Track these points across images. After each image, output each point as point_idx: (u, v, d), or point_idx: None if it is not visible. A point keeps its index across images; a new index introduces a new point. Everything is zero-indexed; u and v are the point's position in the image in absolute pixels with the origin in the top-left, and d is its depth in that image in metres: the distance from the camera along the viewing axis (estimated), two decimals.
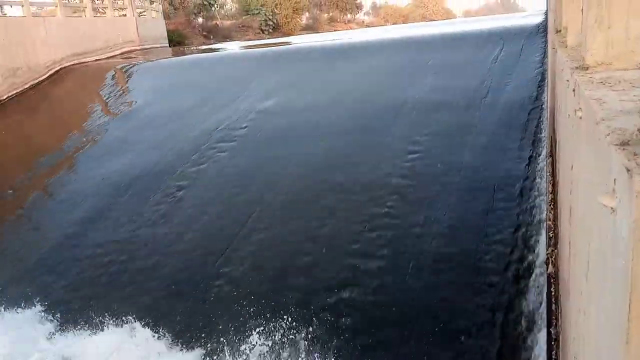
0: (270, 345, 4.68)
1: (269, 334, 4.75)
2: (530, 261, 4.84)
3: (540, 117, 7.28)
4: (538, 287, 4.55)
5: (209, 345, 4.95)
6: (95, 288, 6.21)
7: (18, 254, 7.41)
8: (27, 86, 14.40)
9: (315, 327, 4.71)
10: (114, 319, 5.50)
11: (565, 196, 2.73)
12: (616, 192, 0.93)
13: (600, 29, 2.31)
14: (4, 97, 13.63)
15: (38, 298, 6.17)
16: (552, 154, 5.43)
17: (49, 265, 6.88)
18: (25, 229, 8.21)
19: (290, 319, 4.83)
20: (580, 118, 1.73)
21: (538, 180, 5.91)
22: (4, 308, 6.18)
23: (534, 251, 4.92)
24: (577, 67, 2.53)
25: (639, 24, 2.20)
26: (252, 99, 10.49)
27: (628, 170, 0.83)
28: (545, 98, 7.51)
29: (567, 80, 2.54)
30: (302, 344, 4.60)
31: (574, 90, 2.14)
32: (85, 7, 17.89)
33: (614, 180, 0.94)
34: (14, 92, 13.96)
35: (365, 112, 8.78)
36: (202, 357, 4.86)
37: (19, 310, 6.08)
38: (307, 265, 5.57)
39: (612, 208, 0.96)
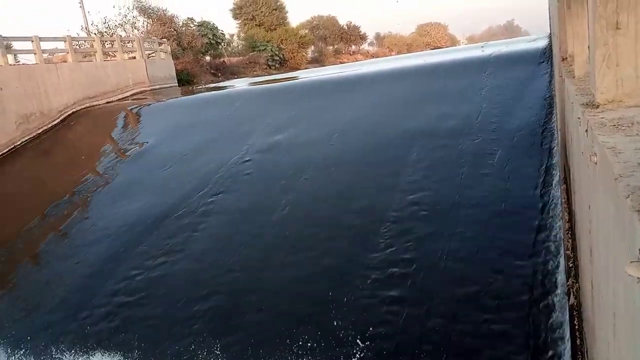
0: None
1: None
2: None
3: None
4: None
5: None
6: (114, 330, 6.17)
7: (31, 300, 7.41)
8: (40, 131, 14.68)
9: None
10: None
11: (584, 234, 2.68)
12: None
13: (609, 67, 2.30)
14: (18, 143, 13.89)
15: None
16: (566, 181, 5.38)
17: (63, 310, 6.86)
18: (39, 273, 8.23)
19: None
20: (596, 164, 1.71)
21: None
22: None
23: None
24: (587, 104, 2.52)
25: None
26: (262, 135, 10.57)
27: None
28: (555, 122, 7.50)
29: (579, 118, 2.53)
30: None
31: (586, 131, 2.12)
32: (96, 52, 18.33)
33: (639, 250, 0.92)
34: (28, 137, 14.23)
35: (374, 144, 8.82)
36: None
37: None
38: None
39: (639, 278, 0.93)
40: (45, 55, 16.03)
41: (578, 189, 3.25)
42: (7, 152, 13.50)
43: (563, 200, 5.47)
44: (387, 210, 6.71)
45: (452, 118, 8.87)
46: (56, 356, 6.04)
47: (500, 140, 7.74)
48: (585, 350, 3.10)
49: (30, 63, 16.20)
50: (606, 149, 1.48)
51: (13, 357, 6.28)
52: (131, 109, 15.34)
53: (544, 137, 7.50)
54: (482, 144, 7.78)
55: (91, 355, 5.89)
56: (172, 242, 7.58)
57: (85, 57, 18.43)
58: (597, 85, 2.34)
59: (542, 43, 11.44)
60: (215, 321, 5.76)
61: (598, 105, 2.33)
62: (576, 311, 3.85)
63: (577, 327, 3.77)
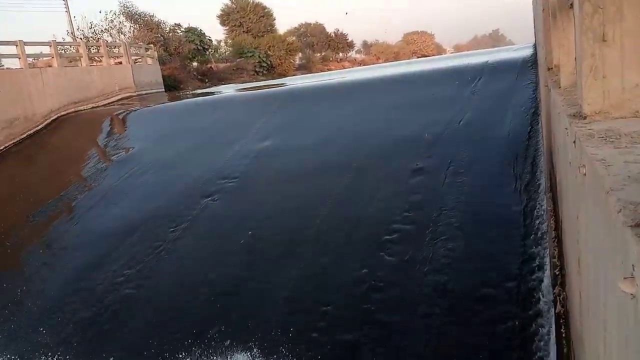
0: None
1: None
2: None
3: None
4: None
5: None
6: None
7: (16, 306, 7.30)
8: (24, 136, 14.48)
9: None
10: None
11: (572, 244, 2.70)
12: (636, 280, 0.90)
13: (596, 79, 2.32)
14: (1, 148, 13.68)
15: None
16: (552, 189, 5.42)
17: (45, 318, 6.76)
18: (22, 280, 8.09)
19: None
20: (585, 175, 1.72)
21: None
22: None
23: None
24: (574, 115, 2.54)
25: (633, 74, 2.21)
26: (249, 141, 10.54)
27: None
28: (540, 130, 7.57)
29: (566, 129, 2.54)
30: None
31: (574, 142, 2.13)
32: (81, 57, 18.17)
33: (633, 266, 0.92)
34: (11, 142, 14.03)
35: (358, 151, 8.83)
36: None
37: None
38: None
39: (632, 294, 0.93)
40: (29, 60, 15.85)
41: (565, 199, 3.27)
42: None
43: (549, 208, 5.51)
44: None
45: (436, 125, 8.92)
46: None
47: (484, 145, 7.80)
48: (573, 359, 3.11)
49: (14, 67, 16.01)
50: (596, 162, 1.49)
51: None
52: (117, 115, 15.21)
53: (528, 145, 7.57)
54: (465, 150, 7.84)
55: None
56: (157, 249, 7.51)
57: (71, 62, 18.26)
58: (584, 96, 2.35)
59: (526, 52, 11.59)
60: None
61: (585, 117, 2.35)
62: (563, 319, 3.86)
63: (564, 335, 3.78)
